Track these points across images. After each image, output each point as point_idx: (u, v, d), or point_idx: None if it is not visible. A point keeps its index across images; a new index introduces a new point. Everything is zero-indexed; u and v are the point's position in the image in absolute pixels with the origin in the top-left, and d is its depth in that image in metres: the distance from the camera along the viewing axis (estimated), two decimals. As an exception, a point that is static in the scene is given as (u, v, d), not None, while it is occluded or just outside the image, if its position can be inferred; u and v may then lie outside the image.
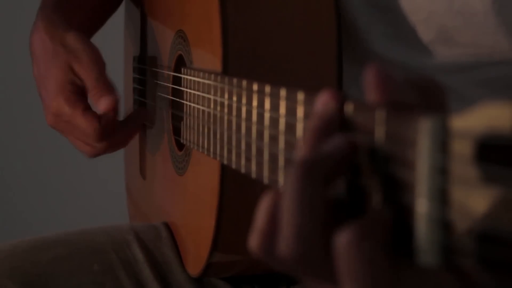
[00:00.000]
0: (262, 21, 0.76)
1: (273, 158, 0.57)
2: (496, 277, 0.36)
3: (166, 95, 0.94)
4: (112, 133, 0.92)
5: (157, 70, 0.99)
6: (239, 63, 0.74)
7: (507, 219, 0.35)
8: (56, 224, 1.50)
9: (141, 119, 1.00)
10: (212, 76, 0.72)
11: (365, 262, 0.41)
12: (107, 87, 0.91)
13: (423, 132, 0.38)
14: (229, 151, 0.67)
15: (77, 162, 1.93)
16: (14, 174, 2.11)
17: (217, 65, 0.75)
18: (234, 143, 0.66)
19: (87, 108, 0.92)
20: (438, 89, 0.44)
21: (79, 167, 2.00)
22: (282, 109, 0.55)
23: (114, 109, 0.91)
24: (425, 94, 0.43)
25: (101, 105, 0.90)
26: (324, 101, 0.46)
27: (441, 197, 0.38)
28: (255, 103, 0.60)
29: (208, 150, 0.74)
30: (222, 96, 0.69)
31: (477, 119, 0.36)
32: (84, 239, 0.93)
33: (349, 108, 0.45)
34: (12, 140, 2.09)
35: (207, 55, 0.79)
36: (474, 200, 0.36)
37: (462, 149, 0.37)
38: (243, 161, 0.64)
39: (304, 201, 0.43)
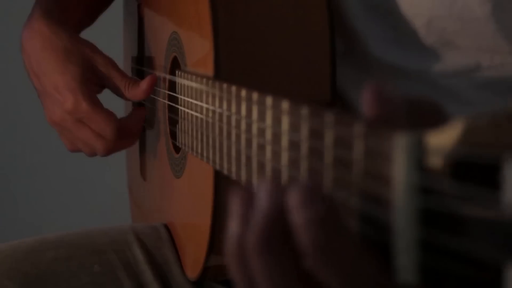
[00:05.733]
0: (253, 23, 0.75)
1: (262, 167, 0.56)
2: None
3: (162, 99, 0.94)
4: (125, 134, 0.95)
5: (154, 71, 0.98)
6: (231, 66, 0.74)
7: (482, 239, 0.34)
8: (56, 225, 1.51)
9: (141, 121, 1.00)
10: (204, 80, 0.72)
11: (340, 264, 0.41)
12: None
13: (399, 149, 0.37)
14: (221, 158, 0.67)
15: (78, 163, 1.94)
16: (15, 175, 2.11)
17: (209, 68, 0.74)
18: (225, 150, 0.65)
19: (106, 108, 0.93)
20: (436, 108, 0.43)
21: (80, 168, 2.00)
22: (269, 119, 0.54)
23: (153, 87, 0.94)
24: (422, 113, 0.42)
25: (144, 82, 0.93)
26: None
27: (419, 215, 0.37)
28: (243, 111, 0.60)
29: (202, 155, 0.74)
30: (213, 102, 0.68)
31: (452, 135, 0.36)
32: (84, 239, 0.93)
33: (330, 120, 0.45)
34: (13, 140, 2.09)
35: (200, 58, 0.78)
36: (452, 219, 0.36)
37: (437, 166, 0.36)
38: (234, 168, 0.63)
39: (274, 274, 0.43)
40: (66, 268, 0.90)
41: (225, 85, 0.64)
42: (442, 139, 0.36)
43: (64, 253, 0.91)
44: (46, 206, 2.08)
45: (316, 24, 0.76)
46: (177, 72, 0.84)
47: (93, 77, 0.93)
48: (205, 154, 0.72)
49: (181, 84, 0.82)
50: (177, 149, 0.90)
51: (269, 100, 0.54)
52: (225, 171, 0.66)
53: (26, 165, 2.10)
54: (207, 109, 0.70)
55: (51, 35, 0.94)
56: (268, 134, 0.54)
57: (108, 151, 0.95)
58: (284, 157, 0.51)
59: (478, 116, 0.35)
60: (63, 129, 0.96)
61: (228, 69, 0.73)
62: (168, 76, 0.91)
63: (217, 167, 0.69)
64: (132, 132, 0.97)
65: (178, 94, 0.84)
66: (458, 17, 0.75)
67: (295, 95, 0.75)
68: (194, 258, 0.85)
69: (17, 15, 0.99)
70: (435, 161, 0.36)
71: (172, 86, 0.88)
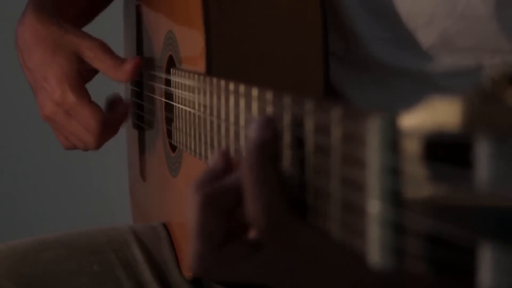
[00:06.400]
0: (245, 19, 0.75)
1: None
2: (447, 280, 0.35)
3: (159, 97, 0.94)
4: (110, 129, 0.95)
5: (151, 71, 0.99)
6: (223, 62, 0.74)
7: (455, 220, 0.34)
8: (56, 225, 1.51)
9: (125, 115, 1.00)
10: (196, 76, 0.72)
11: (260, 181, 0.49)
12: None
13: (373, 131, 0.38)
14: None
15: (78, 163, 1.94)
16: (14, 175, 2.11)
17: (201, 65, 0.75)
18: (216, 145, 0.66)
19: (92, 101, 0.93)
20: None
21: (80, 168, 2.00)
22: (255, 110, 0.54)
23: (138, 71, 0.94)
24: None
25: (128, 63, 0.92)
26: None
27: (393, 198, 0.37)
28: (231, 104, 0.60)
29: (195, 151, 0.74)
30: (205, 96, 0.69)
31: (425, 117, 0.36)
32: (83, 239, 0.93)
33: (310, 107, 0.45)
34: (13, 140, 2.09)
35: (193, 55, 0.79)
36: (424, 201, 0.36)
37: (411, 148, 0.36)
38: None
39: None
40: (65, 268, 0.90)
41: (214, 80, 0.65)
42: (415, 121, 0.36)
43: (63, 253, 0.91)
44: (45, 206, 2.08)
45: (309, 20, 0.76)
46: (171, 70, 0.84)
47: (81, 66, 0.93)
48: (198, 151, 0.73)
49: (175, 82, 0.82)
50: (173, 148, 0.90)
51: (254, 92, 0.54)
52: None
53: (25, 165, 2.10)
54: (199, 104, 0.71)
55: (40, 28, 0.94)
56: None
57: (98, 144, 0.95)
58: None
59: (449, 97, 0.35)
60: (55, 123, 0.96)
61: (220, 66, 0.74)
62: (164, 75, 0.91)
63: None
64: (116, 125, 0.97)
65: (173, 92, 0.84)
66: (460, 15, 0.75)
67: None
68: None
69: (17, 15, 1.00)
70: (408, 142, 0.36)
71: (168, 84, 0.89)
